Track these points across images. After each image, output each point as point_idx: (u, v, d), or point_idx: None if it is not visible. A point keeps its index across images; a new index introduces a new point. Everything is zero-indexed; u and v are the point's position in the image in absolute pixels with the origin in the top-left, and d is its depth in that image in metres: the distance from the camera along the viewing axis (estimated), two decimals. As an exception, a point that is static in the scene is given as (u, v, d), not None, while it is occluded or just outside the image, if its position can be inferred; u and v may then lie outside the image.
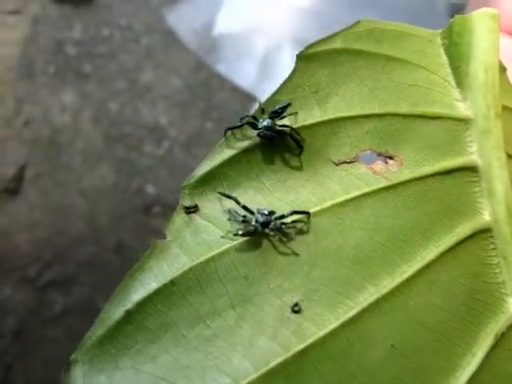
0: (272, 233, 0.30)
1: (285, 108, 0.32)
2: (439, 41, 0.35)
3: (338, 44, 0.33)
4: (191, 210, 0.30)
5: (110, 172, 1.84)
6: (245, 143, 0.31)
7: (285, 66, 1.85)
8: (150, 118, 1.94)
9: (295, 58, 0.32)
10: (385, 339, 0.28)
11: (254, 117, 0.32)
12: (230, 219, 0.30)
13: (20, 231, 1.72)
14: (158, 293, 0.28)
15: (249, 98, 1.89)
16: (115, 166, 1.86)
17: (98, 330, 0.27)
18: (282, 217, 0.30)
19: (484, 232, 0.31)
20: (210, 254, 0.28)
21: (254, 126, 0.32)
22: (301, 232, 0.30)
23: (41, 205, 1.77)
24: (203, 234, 0.29)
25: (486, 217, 0.31)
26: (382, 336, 0.28)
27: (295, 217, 0.30)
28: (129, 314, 0.27)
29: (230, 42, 1.96)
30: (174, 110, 1.95)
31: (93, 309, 1.61)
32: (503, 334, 0.29)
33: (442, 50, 0.35)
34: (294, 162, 0.31)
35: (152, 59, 2.04)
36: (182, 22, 2.01)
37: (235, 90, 1.94)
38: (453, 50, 0.34)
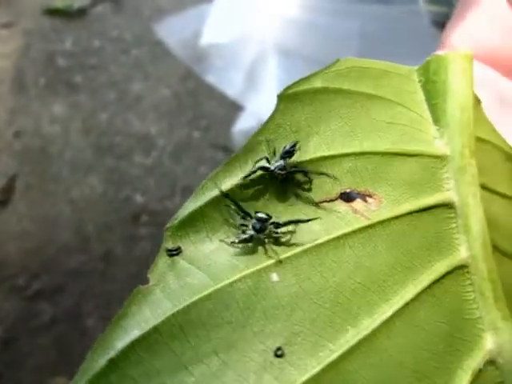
0: (267, 240, 0.31)
1: (294, 147, 0.32)
2: (416, 78, 0.36)
3: (317, 83, 0.33)
4: (174, 252, 0.30)
5: (99, 182, 1.85)
6: (228, 184, 0.32)
7: (270, 74, 1.85)
8: (139, 127, 1.94)
9: (276, 99, 0.33)
10: (366, 381, 0.28)
11: (267, 159, 0.32)
12: (229, 227, 0.31)
13: (9, 241, 1.72)
14: (141, 340, 0.27)
15: (236, 106, 1.90)
16: (104, 175, 1.86)
17: (81, 380, 0.27)
18: (278, 225, 0.31)
19: (461, 268, 0.31)
20: (193, 299, 0.28)
21: (266, 168, 0.32)
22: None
23: (30, 215, 1.77)
24: (186, 277, 0.29)
25: (463, 253, 0.31)
26: (363, 378, 0.28)
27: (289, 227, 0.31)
28: (112, 362, 0.27)
29: (217, 52, 1.97)
30: (163, 119, 1.96)
31: (81, 318, 1.61)
32: (480, 371, 0.30)
33: (419, 87, 0.36)
34: (275, 204, 0.32)
35: (141, 70, 2.05)
36: (171, 33, 2.02)
37: (223, 98, 1.95)
38: (430, 87, 0.35)
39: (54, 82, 2.01)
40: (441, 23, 1.95)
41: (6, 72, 2.01)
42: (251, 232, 0.31)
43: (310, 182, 0.32)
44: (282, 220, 0.31)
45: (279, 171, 0.32)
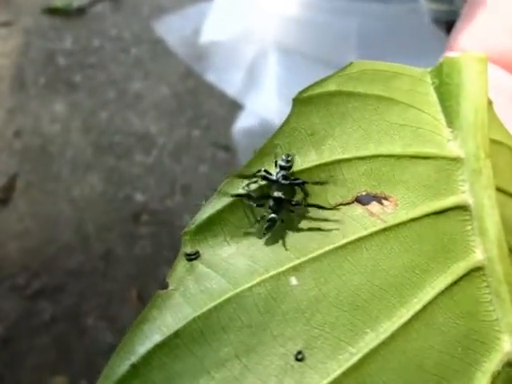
0: (284, 217, 0.31)
1: (290, 156, 0.33)
2: (429, 80, 0.36)
3: (331, 87, 0.33)
4: (192, 256, 0.30)
5: (99, 181, 1.85)
6: (245, 188, 0.32)
7: (270, 73, 1.86)
8: (139, 126, 1.94)
9: (291, 102, 0.33)
10: None
11: (265, 170, 0.32)
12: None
13: (10, 240, 1.73)
14: (162, 345, 0.27)
15: (236, 105, 1.90)
16: (104, 174, 1.86)
17: None
18: (295, 204, 0.32)
19: (477, 270, 0.31)
20: (213, 304, 0.28)
21: (269, 178, 0.32)
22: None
23: (31, 214, 1.77)
24: (206, 281, 0.29)
25: (479, 255, 0.31)
26: (382, 382, 0.28)
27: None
28: (134, 367, 0.27)
29: (217, 50, 1.97)
30: (163, 118, 1.96)
31: (81, 317, 1.61)
32: (499, 373, 0.30)
33: (431, 89, 0.36)
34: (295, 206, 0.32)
35: (141, 68, 2.05)
36: (171, 31, 2.02)
37: (223, 97, 1.95)
38: (443, 89, 0.35)
39: (53, 80, 2.01)
40: (441, 21, 1.95)
41: (5, 71, 2.02)
42: (271, 215, 0.31)
43: (306, 195, 0.32)
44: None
45: (283, 181, 0.32)
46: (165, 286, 0.29)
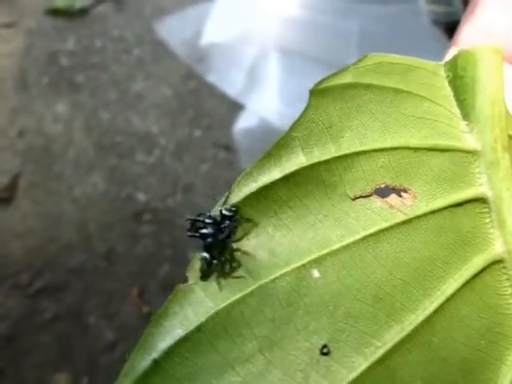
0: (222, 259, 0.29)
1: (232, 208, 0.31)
2: (443, 73, 0.36)
3: (348, 78, 0.33)
4: (212, 250, 0.29)
5: (101, 180, 1.85)
6: (261, 181, 0.31)
7: (271, 73, 1.86)
8: (140, 126, 1.94)
9: (308, 94, 0.32)
10: (412, 379, 0.28)
11: (210, 216, 0.31)
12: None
13: (13, 239, 1.73)
14: (184, 340, 0.27)
15: (237, 105, 1.90)
16: (106, 174, 1.86)
17: (124, 382, 0.27)
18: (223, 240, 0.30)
19: (497, 263, 0.31)
20: (235, 297, 0.28)
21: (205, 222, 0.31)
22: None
23: (33, 213, 1.77)
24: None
25: (498, 248, 0.31)
26: (409, 376, 0.28)
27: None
28: (156, 363, 0.27)
29: (218, 52, 1.97)
30: (165, 118, 1.96)
31: (83, 315, 1.61)
32: (523, 366, 0.29)
33: (446, 83, 0.35)
34: (310, 199, 0.32)
35: (143, 69, 2.05)
36: (172, 32, 2.02)
37: (224, 98, 1.95)
38: (458, 82, 0.35)
39: (56, 81, 2.01)
40: (440, 23, 1.95)
41: (8, 71, 2.02)
42: (203, 253, 0.29)
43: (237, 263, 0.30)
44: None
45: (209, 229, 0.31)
46: (184, 280, 0.28)
